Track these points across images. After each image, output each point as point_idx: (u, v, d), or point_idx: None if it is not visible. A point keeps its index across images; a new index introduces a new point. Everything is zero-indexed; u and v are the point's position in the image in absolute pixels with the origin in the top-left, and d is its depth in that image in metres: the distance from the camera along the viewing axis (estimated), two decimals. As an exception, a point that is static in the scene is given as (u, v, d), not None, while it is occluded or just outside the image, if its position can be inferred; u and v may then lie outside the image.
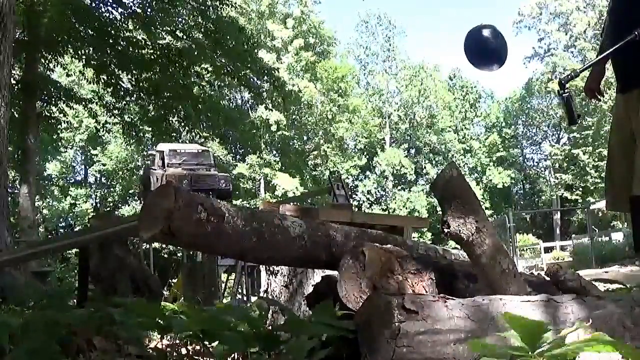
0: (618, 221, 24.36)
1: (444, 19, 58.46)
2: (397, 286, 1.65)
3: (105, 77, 10.99)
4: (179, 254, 17.42)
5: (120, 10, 10.68)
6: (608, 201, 2.75)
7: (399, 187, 33.08)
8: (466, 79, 36.50)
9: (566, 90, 2.46)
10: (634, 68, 2.49)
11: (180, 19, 12.01)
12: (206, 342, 1.68)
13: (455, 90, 35.92)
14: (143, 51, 10.60)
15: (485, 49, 2.77)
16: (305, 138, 31.58)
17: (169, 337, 1.94)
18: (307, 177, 30.04)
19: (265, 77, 12.22)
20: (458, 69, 36.63)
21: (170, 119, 12.11)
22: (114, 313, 1.72)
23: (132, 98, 11.71)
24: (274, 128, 26.83)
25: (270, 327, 2.15)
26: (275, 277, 2.79)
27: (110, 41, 10.15)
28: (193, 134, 14.06)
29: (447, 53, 56.13)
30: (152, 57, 10.75)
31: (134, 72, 10.94)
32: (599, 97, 2.80)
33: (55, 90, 11.70)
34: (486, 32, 2.74)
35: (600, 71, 2.82)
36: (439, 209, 1.74)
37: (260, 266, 3.24)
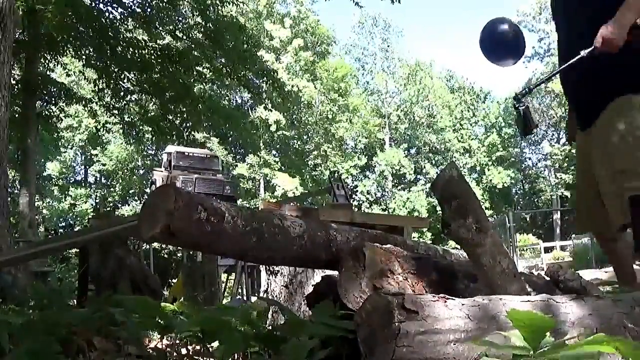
0: (618, 221, 24.36)
1: (442, 20, 58.55)
2: (397, 286, 1.65)
3: (105, 77, 11.00)
4: (179, 254, 17.42)
5: (120, 10, 10.69)
6: (578, 225, 2.81)
7: (399, 187, 33.10)
8: (463, 79, 36.60)
9: (522, 103, 2.49)
10: (588, 104, 2.43)
11: (180, 18, 12.01)
12: (206, 342, 1.68)
13: (454, 90, 35.98)
14: (143, 51, 10.60)
15: (503, 43, 2.73)
16: (305, 138, 31.58)
17: (169, 337, 1.94)
18: (307, 177, 30.04)
19: (265, 78, 12.23)
20: (452, 71, 36.78)
21: (171, 118, 12.11)
22: (114, 313, 1.72)
23: (132, 98, 11.71)
24: (273, 128, 26.84)
25: (270, 327, 2.15)
26: (275, 277, 2.79)
27: (111, 41, 10.15)
28: (193, 133, 14.04)
29: (445, 54, 56.20)
30: (152, 57, 10.75)
31: (133, 72, 10.93)
32: None
33: (55, 90, 11.70)
34: (504, 27, 2.70)
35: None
36: (439, 209, 1.74)
37: (260, 266, 3.24)
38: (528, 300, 1.44)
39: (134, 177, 29.01)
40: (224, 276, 10.87)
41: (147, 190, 25.77)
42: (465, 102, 35.48)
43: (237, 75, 11.78)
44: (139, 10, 10.89)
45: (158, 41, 11.11)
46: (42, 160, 24.74)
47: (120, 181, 29.10)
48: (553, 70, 2.63)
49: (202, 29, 11.53)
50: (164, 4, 11.03)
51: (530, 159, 36.76)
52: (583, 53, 2.20)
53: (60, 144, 25.43)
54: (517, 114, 2.50)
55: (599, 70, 2.23)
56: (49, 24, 9.60)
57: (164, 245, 17.42)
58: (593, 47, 2.14)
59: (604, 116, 2.30)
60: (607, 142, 2.29)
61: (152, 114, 12.18)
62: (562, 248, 19.90)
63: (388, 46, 35.40)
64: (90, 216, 22.78)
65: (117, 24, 10.51)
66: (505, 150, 34.33)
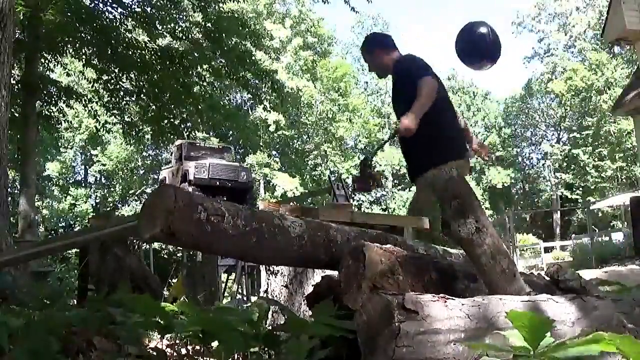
0: (618, 221, 24.38)
1: (442, 19, 58.54)
2: (397, 286, 1.65)
3: (105, 77, 10.99)
4: (179, 254, 17.39)
5: (120, 10, 10.68)
6: None
7: (399, 187, 33.10)
8: (464, 79, 36.57)
9: (368, 162, 3.03)
10: (411, 162, 3.00)
11: (180, 15, 11.95)
12: (206, 342, 1.68)
13: (454, 90, 35.96)
14: (143, 52, 10.59)
15: (478, 47, 2.79)
16: (305, 138, 31.58)
17: (169, 337, 1.94)
18: (307, 177, 30.02)
19: (264, 79, 12.19)
20: (454, 69, 36.71)
21: (171, 118, 12.09)
22: (114, 313, 1.72)
23: (132, 98, 11.70)
24: (272, 128, 26.80)
25: (270, 327, 2.14)
26: (275, 277, 2.79)
27: (112, 42, 10.14)
28: (193, 133, 13.97)
29: (445, 53, 56.18)
30: (152, 58, 10.74)
31: (133, 73, 10.92)
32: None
33: (55, 90, 11.69)
34: (482, 29, 2.75)
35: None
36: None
37: (260, 266, 3.24)
38: (528, 300, 1.44)
39: (134, 177, 29.01)
40: (224, 276, 10.85)
41: (150, 189, 25.60)
42: (465, 102, 35.49)
43: (236, 75, 11.76)
44: (138, 9, 10.87)
45: (158, 42, 11.10)
46: (42, 160, 24.73)
47: (120, 181, 29.09)
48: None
49: (202, 28, 11.50)
50: (164, 1, 11.01)
51: (530, 159, 36.78)
52: (393, 132, 2.88)
53: (60, 144, 25.42)
54: (360, 171, 2.98)
55: (411, 148, 2.90)
56: (49, 25, 9.58)
57: (164, 245, 17.38)
58: (395, 130, 2.74)
59: (420, 181, 2.89)
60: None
61: (152, 114, 12.16)
62: (562, 248, 19.89)
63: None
64: (90, 216, 22.75)
65: (117, 23, 10.50)
66: (505, 150, 34.34)
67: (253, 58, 11.94)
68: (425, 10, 56.75)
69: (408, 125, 2.63)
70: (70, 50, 10.59)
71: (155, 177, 29.07)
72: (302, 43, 27.97)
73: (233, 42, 11.66)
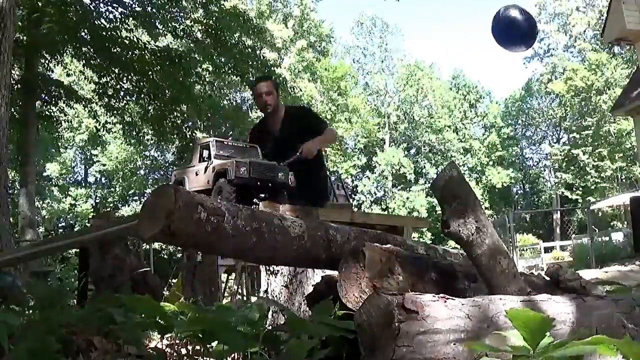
0: (618, 221, 24.37)
1: (444, 18, 58.58)
2: (397, 286, 1.65)
3: (105, 78, 11.00)
4: (179, 254, 17.37)
5: (120, 10, 10.68)
6: None
7: (399, 187, 33.10)
8: (467, 79, 36.55)
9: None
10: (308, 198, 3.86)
11: (182, 13, 11.94)
12: (206, 342, 1.68)
13: (457, 89, 35.94)
14: (143, 52, 10.59)
15: (514, 29, 2.83)
16: (305, 138, 31.55)
17: (169, 337, 1.94)
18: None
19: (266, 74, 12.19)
20: (459, 69, 36.69)
21: (171, 118, 12.08)
22: (114, 313, 1.72)
23: (132, 98, 11.70)
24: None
25: (270, 327, 2.14)
26: (275, 277, 2.79)
27: (111, 45, 10.14)
28: (194, 133, 13.96)
29: (447, 53, 56.21)
30: (152, 59, 10.74)
31: (133, 74, 10.91)
32: None
33: (56, 90, 11.69)
34: (515, 12, 2.78)
35: None
36: (438, 209, 1.74)
37: (260, 266, 3.24)
38: (528, 300, 1.44)
39: (134, 177, 29.00)
40: (224, 276, 10.83)
41: (150, 189, 25.51)
42: (469, 101, 35.46)
43: (239, 71, 11.76)
44: (139, 9, 10.86)
45: (158, 43, 11.11)
46: (42, 160, 24.72)
47: (120, 181, 29.08)
48: None
49: (204, 26, 11.48)
50: (165, 0, 11.01)
51: (530, 159, 36.79)
52: (297, 154, 3.92)
53: (60, 144, 25.42)
54: None
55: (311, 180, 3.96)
56: (49, 25, 9.58)
57: (164, 245, 17.37)
58: (300, 151, 3.81)
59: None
60: None
61: (152, 114, 12.15)
62: (562, 248, 19.89)
63: (386, 44, 35.44)
64: (90, 216, 22.72)
65: (117, 22, 10.50)
66: (505, 150, 34.33)
67: (257, 53, 11.94)
68: (426, 11, 56.81)
69: (310, 147, 3.72)
70: (70, 50, 10.60)
71: (156, 177, 29.03)
72: (305, 45, 27.98)
73: (235, 39, 11.67)
